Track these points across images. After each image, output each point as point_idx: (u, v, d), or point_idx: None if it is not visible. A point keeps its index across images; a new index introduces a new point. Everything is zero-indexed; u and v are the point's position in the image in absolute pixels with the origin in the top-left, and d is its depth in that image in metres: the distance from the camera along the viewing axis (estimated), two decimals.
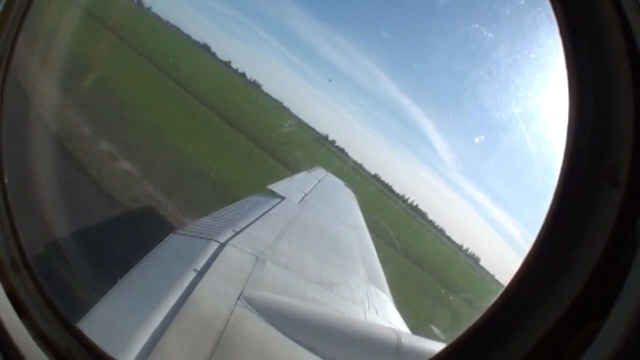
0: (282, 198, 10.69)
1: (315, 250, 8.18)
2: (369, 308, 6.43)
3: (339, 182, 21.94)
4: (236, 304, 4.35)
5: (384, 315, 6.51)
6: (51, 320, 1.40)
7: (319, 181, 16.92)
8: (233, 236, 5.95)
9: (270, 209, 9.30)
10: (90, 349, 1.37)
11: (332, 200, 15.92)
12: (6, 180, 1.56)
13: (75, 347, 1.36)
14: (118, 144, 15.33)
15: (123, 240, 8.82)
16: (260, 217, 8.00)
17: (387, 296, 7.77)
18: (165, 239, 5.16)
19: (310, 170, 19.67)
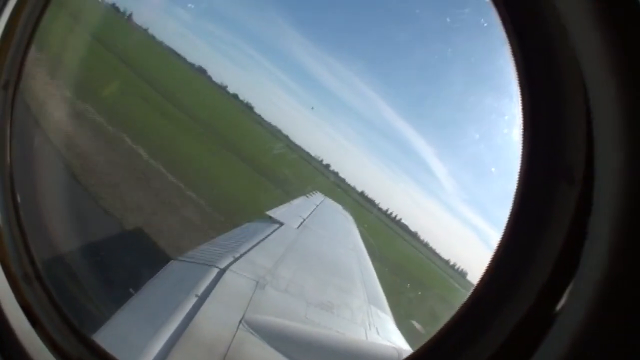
0: (281, 224, 10.80)
1: (315, 273, 8.24)
2: (370, 328, 6.46)
3: (337, 206, 22.06)
4: (238, 327, 4.42)
5: (385, 335, 6.53)
6: (63, 330, 1.47)
7: (317, 206, 17.04)
8: (233, 262, 6.04)
9: (269, 234, 9.40)
10: (102, 358, 1.46)
11: (331, 224, 16.00)
12: (19, 199, 1.64)
13: (87, 356, 1.44)
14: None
15: None
16: (259, 242, 8.10)
17: (387, 316, 7.80)
18: (165, 266, 5.25)
19: (308, 195, 19.81)
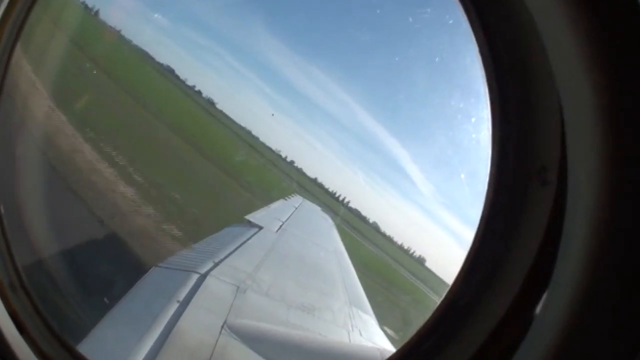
0: (260, 227, 10.77)
1: (296, 276, 8.25)
2: (353, 330, 6.52)
3: (316, 208, 22.11)
4: (220, 332, 4.40)
5: (368, 336, 6.61)
6: (47, 337, 1.49)
7: (295, 208, 17.05)
8: (213, 267, 6.01)
9: (249, 238, 9.36)
10: None
11: (310, 226, 16.03)
12: (2, 210, 1.66)
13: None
14: None
15: None
16: (239, 247, 8.06)
17: (370, 317, 7.88)
18: (147, 273, 5.18)
19: (286, 198, 19.79)
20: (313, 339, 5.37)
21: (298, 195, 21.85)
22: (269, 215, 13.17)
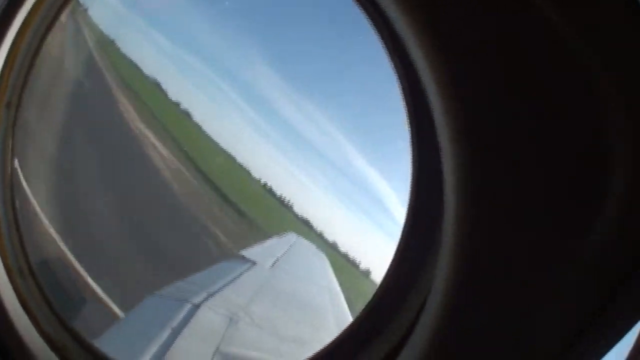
0: (254, 263, 10.86)
1: (288, 312, 8.31)
2: None
3: (311, 246, 22.06)
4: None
5: None
6: (53, 322, 1.62)
7: (290, 246, 17.08)
8: (206, 298, 6.13)
9: (242, 273, 9.46)
10: (84, 346, 1.61)
11: (304, 263, 16.04)
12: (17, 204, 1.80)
13: (72, 343, 1.60)
14: None
15: None
16: (232, 281, 8.17)
17: None
18: (141, 302, 5.32)
19: (280, 235, 19.85)
20: None
21: (293, 233, 21.89)
22: (263, 252, 13.25)
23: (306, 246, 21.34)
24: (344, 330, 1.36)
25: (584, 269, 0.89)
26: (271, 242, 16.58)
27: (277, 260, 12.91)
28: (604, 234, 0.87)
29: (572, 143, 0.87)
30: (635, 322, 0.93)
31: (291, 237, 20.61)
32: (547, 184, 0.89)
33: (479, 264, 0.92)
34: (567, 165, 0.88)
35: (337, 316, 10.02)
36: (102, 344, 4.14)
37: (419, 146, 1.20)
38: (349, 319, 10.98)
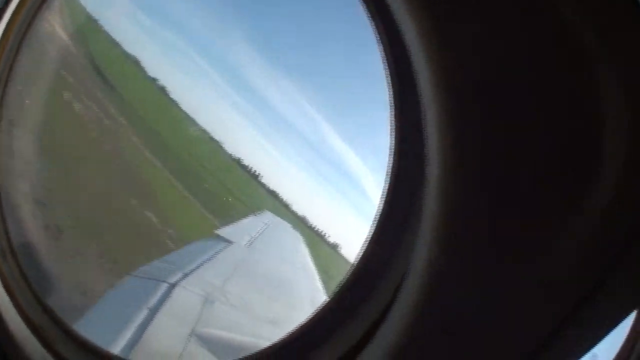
0: (230, 242, 10.84)
1: (264, 291, 8.38)
2: None
3: (286, 225, 22.16)
4: (188, 341, 4.53)
5: None
6: (32, 303, 1.57)
7: (265, 224, 17.10)
8: (182, 278, 6.11)
9: (218, 252, 9.43)
10: (61, 327, 1.57)
11: (279, 242, 16.13)
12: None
13: (49, 323, 1.56)
14: None
15: None
16: (207, 260, 8.15)
17: None
18: (119, 281, 5.26)
19: (256, 213, 19.83)
20: None
21: (268, 212, 21.91)
22: (239, 231, 13.22)
23: (282, 225, 21.43)
24: (318, 310, 1.33)
25: (569, 252, 0.86)
26: (247, 221, 16.54)
27: (253, 239, 12.93)
28: (589, 222, 0.84)
29: (564, 99, 0.83)
30: (624, 314, 0.92)
31: (266, 216, 20.62)
32: (534, 167, 0.85)
33: (459, 243, 0.89)
34: (558, 142, 0.84)
35: (312, 295, 10.18)
36: (80, 324, 4.11)
37: (400, 118, 1.16)
38: (323, 297, 11.19)
